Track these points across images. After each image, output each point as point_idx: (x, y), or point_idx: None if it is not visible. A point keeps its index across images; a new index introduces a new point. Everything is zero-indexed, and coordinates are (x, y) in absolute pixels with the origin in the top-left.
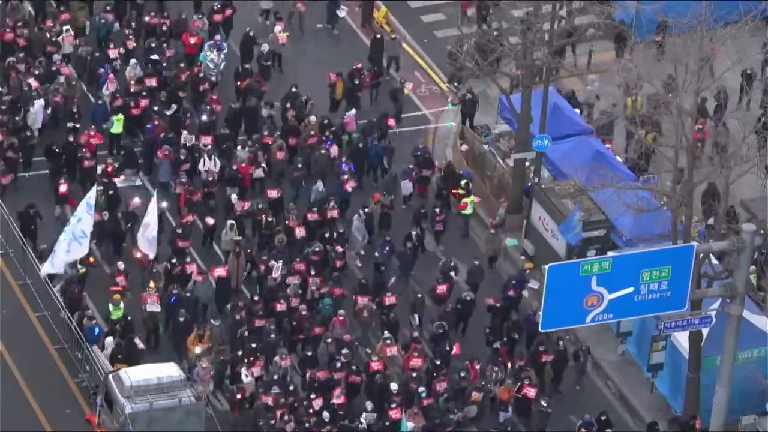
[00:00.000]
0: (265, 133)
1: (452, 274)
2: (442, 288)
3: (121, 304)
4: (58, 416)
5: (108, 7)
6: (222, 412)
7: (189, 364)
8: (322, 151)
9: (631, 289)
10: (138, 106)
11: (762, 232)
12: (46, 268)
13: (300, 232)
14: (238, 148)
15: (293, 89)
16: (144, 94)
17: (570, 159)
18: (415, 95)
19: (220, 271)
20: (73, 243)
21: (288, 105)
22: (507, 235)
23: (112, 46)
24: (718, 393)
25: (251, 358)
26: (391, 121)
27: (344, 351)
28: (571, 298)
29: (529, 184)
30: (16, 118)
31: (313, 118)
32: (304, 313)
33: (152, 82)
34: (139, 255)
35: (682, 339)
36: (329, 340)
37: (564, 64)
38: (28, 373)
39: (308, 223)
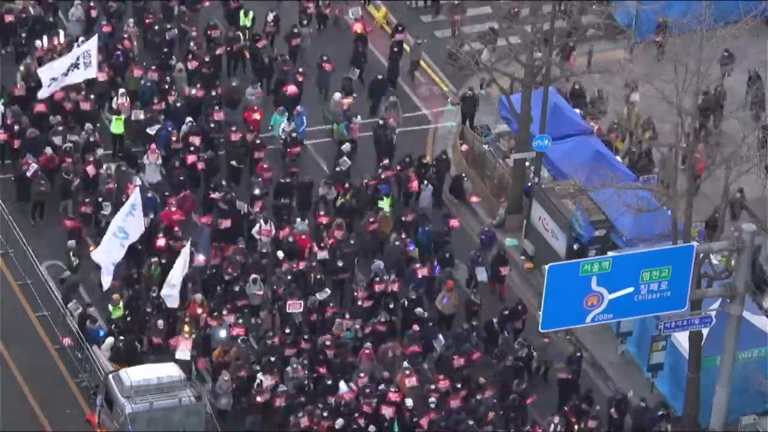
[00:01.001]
0: (321, 212)
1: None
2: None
3: (120, 304)
4: (58, 416)
5: (153, 67)
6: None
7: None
8: (396, 243)
9: (631, 289)
10: (185, 162)
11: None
12: (105, 282)
13: (366, 303)
14: (298, 220)
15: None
16: (191, 149)
17: (570, 159)
18: (415, 95)
19: (238, 330)
20: (113, 242)
21: (348, 185)
22: (507, 236)
23: (155, 100)
24: (718, 393)
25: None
26: (454, 222)
27: (381, 386)
28: (571, 298)
29: (529, 184)
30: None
31: (387, 210)
32: (328, 342)
33: (196, 140)
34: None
35: (682, 339)
36: (362, 374)
37: (564, 64)
38: (28, 373)
39: (373, 294)
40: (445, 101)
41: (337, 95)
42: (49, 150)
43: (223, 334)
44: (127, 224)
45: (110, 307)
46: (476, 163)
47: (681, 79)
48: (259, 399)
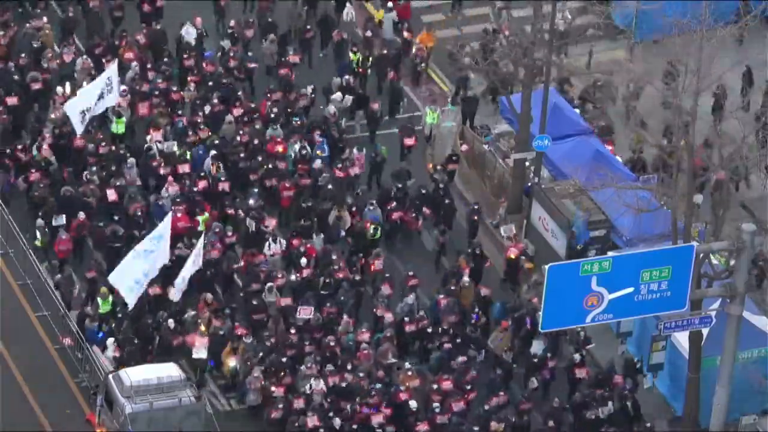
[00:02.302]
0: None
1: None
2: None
3: (110, 298)
4: (58, 416)
5: (180, 112)
6: (223, 412)
7: (226, 377)
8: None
9: (631, 289)
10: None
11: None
12: (130, 299)
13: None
14: (313, 235)
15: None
16: (202, 174)
17: (570, 159)
18: (415, 95)
19: (242, 330)
20: (136, 263)
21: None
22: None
23: (190, 133)
24: (718, 393)
25: (280, 375)
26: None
27: (378, 385)
28: (571, 298)
29: (529, 184)
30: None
31: (467, 280)
32: (331, 344)
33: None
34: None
35: (682, 339)
36: (361, 374)
37: (564, 64)
38: (28, 373)
39: (404, 333)
40: (446, 101)
41: (338, 95)
42: (82, 215)
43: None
44: (155, 249)
45: (99, 301)
46: (476, 163)
47: (681, 78)
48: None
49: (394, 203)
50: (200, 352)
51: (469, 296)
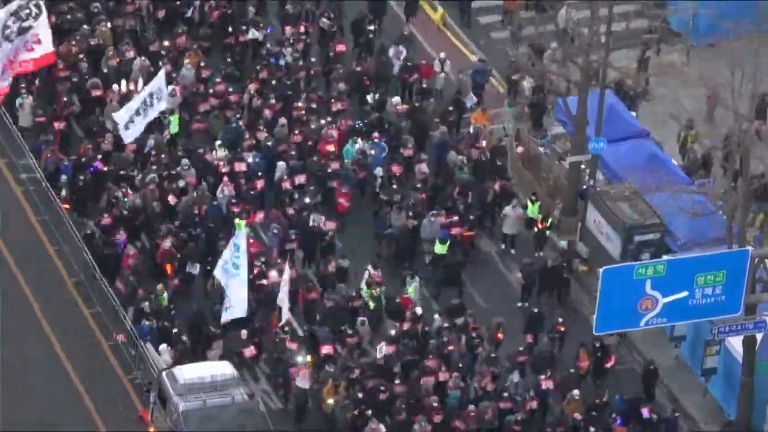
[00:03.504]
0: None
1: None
2: None
3: (165, 294)
4: (110, 413)
5: (238, 116)
6: (276, 411)
7: (325, 413)
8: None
9: (685, 293)
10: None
11: None
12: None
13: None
14: (408, 278)
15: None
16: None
17: (625, 162)
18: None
19: (328, 349)
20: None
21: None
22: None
23: (246, 136)
24: None
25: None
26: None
27: None
28: (626, 302)
29: (584, 186)
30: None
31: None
32: (435, 404)
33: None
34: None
35: (735, 343)
36: None
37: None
38: (81, 370)
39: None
40: (501, 102)
41: (396, 99)
42: (167, 243)
43: (300, 359)
44: (239, 259)
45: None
46: (531, 165)
47: (737, 82)
48: None
49: (456, 218)
50: (303, 381)
51: (577, 409)
